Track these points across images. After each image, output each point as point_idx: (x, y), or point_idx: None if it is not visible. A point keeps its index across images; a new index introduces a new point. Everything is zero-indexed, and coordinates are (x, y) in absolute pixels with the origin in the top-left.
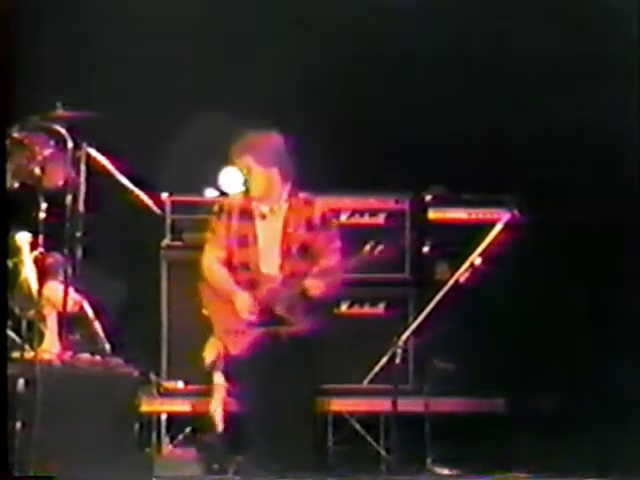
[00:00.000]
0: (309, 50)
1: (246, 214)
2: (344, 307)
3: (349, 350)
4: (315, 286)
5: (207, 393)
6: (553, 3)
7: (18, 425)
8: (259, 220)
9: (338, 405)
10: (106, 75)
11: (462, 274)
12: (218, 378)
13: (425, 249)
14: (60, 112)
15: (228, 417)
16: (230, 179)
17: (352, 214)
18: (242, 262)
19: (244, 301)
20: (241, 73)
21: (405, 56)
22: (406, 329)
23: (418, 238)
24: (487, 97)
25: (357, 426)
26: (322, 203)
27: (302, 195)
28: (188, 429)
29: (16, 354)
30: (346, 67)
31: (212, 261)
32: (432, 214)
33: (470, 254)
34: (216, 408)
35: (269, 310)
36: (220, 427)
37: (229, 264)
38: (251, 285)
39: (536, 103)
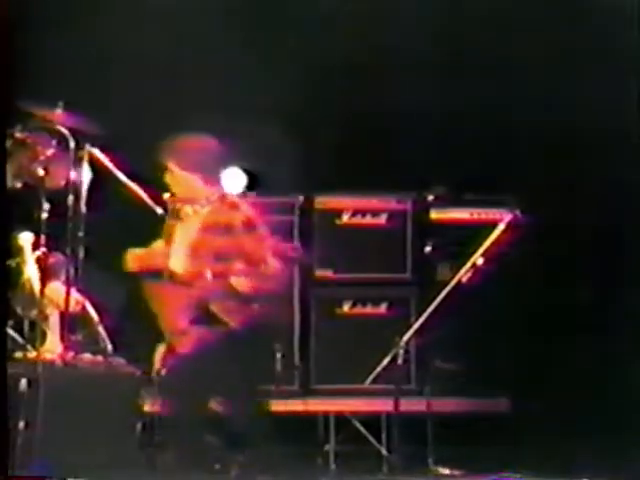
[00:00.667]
0: (311, 48)
1: (174, 214)
2: (346, 307)
3: (351, 350)
4: (241, 284)
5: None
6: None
7: (21, 425)
8: (180, 221)
9: (340, 406)
10: (108, 74)
11: (464, 274)
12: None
13: (427, 249)
14: (62, 112)
15: (229, 417)
16: (232, 179)
17: (354, 214)
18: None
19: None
20: (246, 72)
21: (407, 55)
22: (408, 329)
23: (420, 238)
24: (488, 96)
25: (359, 426)
26: (247, 207)
27: (230, 199)
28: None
29: (18, 354)
30: (348, 66)
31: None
32: (434, 214)
33: (472, 254)
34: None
35: (205, 309)
36: None
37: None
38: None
39: (538, 102)
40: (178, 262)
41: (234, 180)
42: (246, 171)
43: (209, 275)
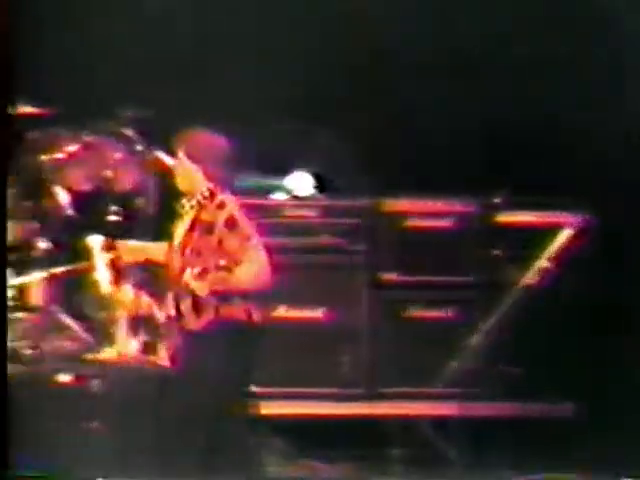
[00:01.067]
0: (377, 49)
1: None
2: (411, 310)
3: (416, 353)
4: (199, 288)
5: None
6: None
7: (94, 425)
8: (178, 220)
9: (406, 409)
10: (176, 77)
11: (530, 277)
12: None
13: (493, 252)
14: (130, 116)
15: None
16: (299, 182)
17: (420, 217)
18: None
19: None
20: (296, 72)
21: (472, 56)
22: (474, 332)
23: (485, 241)
24: (553, 97)
25: (425, 430)
26: (232, 207)
27: (221, 197)
28: (260, 432)
29: (90, 355)
30: (412, 67)
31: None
32: (500, 217)
33: (538, 257)
34: None
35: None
36: None
37: None
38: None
39: (604, 103)
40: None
41: (302, 183)
42: (314, 174)
43: (188, 273)
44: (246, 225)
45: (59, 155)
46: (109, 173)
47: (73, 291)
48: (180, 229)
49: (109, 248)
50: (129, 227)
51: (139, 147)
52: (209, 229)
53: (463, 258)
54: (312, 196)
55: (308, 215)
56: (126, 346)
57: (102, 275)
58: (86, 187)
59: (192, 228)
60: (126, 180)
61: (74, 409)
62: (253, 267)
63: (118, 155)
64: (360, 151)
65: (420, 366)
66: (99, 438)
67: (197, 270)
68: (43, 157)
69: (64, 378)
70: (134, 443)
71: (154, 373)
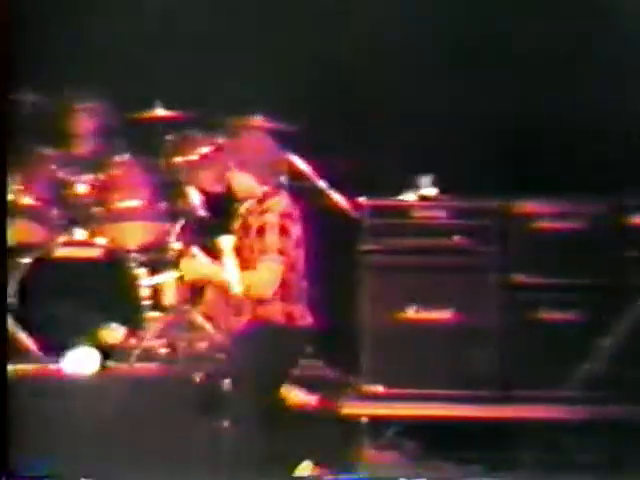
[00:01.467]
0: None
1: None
2: (542, 313)
3: (546, 355)
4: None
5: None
6: None
7: (225, 424)
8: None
9: (536, 412)
10: (303, 82)
11: None
12: None
13: (624, 254)
14: (261, 119)
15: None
16: (426, 184)
17: (550, 219)
18: None
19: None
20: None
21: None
22: (604, 335)
23: (617, 243)
24: None
25: (555, 433)
26: (270, 215)
27: (269, 203)
28: (390, 432)
29: (221, 355)
30: (541, 67)
31: None
32: (631, 219)
33: None
34: None
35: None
36: None
37: None
38: None
39: None
40: None
41: (430, 185)
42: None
43: None
44: (273, 237)
45: (193, 157)
46: None
47: (204, 291)
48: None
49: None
50: None
51: None
52: (247, 233)
53: (593, 260)
54: (442, 197)
55: (438, 216)
56: None
57: (232, 275)
58: (217, 188)
59: (239, 232)
60: None
61: (204, 408)
62: (264, 276)
63: None
64: (490, 152)
65: (550, 368)
66: (228, 437)
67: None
68: (178, 159)
69: (196, 377)
70: (260, 443)
71: None
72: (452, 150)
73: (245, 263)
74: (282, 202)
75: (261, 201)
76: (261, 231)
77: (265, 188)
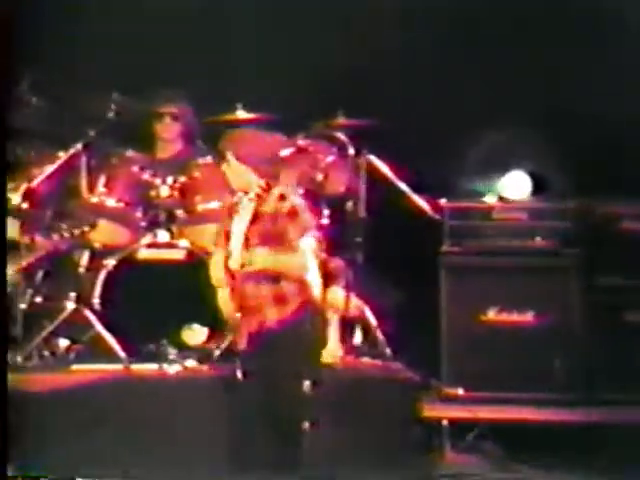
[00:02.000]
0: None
1: (229, 212)
2: (626, 314)
3: (630, 358)
4: (265, 257)
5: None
6: None
7: (306, 425)
8: (236, 216)
9: (621, 415)
10: (384, 83)
11: None
12: None
13: None
14: (342, 120)
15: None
16: (512, 184)
17: (633, 220)
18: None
19: (221, 297)
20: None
21: None
22: None
23: None
24: None
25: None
26: (295, 199)
27: (279, 190)
28: (471, 435)
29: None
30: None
31: (214, 264)
32: None
33: None
34: None
35: (242, 297)
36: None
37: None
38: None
39: None
40: (235, 258)
41: (515, 185)
42: (531, 175)
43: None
44: (307, 216)
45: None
46: (321, 176)
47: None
48: (240, 223)
49: (321, 251)
50: (339, 229)
51: (350, 151)
52: (273, 220)
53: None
54: (524, 198)
55: (519, 218)
56: (337, 347)
57: (314, 277)
58: (298, 190)
59: (254, 220)
60: (337, 183)
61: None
62: (303, 256)
63: (330, 158)
64: (572, 153)
65: (633, 371)
66: (315, 437)
67: None
68: None
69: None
70: (344, 443)
71: (362, 374)
72: (534, 151)
73: (278, 247)
74: (290, 190)
75: (266, 190)
76: (293, 213)
77: (262, 182)
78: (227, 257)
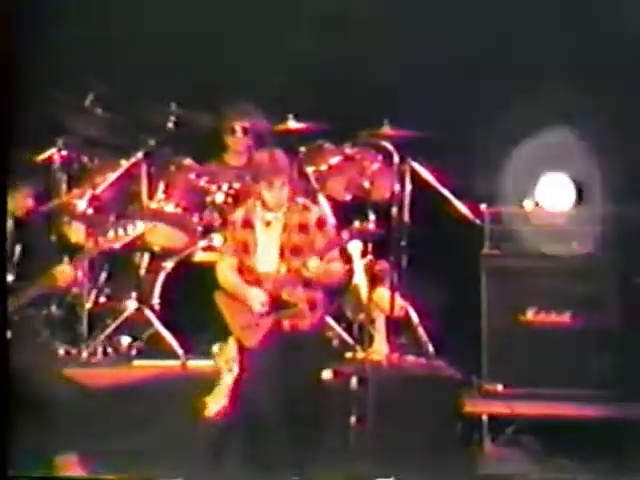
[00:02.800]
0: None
1: (247, 223)
2: None
3: None
4: (315, 266)
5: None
6: None
7: (352, 420)
8: (262, 226)
9: None
10: (426, 95)
11: None
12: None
13: None
14: (387, 129)
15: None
16: (550, 189)
17: None
18: (247, 266)
19: (256, 295)
20: None
21: None
22: None
23: None
24: None
25: None
26: (317, 209)
27: (300, 201)
28: (510, 430)
29: (349, 354)
30: None
31: (225, 268)
32: None
33: None
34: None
35: (277, 298)
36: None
37: (239, 269)
38: (256, 284)
39: None
40: (269, 263)
41: (553, 190)
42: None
43: (283, 269)
44: (331, 226)
45: (323, 167)
46: (367, 183)
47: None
48: (271, 236)
49: (366, 254)
50: (385, 235)
51: (395, 159)
52: (303, 228)
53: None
54: (565, 206)
55: (558, 222)
56: (383, 346)
57: (360, 279)
58: (346, 197)
59: (284, 230)
60: (383, 189)
61: (335, 404)
62: (334, 265)
63: (376, 166)
64: (608, 159)
65: None
66: (357, 433)
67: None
68: (309, 169)
69: (326, 375)
70: (388, 438)
71: (406, 371)
72: (574, 157)
73: (309, 255)
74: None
75: (294, 202)
76: (321, 223)
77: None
78: (241, 263)
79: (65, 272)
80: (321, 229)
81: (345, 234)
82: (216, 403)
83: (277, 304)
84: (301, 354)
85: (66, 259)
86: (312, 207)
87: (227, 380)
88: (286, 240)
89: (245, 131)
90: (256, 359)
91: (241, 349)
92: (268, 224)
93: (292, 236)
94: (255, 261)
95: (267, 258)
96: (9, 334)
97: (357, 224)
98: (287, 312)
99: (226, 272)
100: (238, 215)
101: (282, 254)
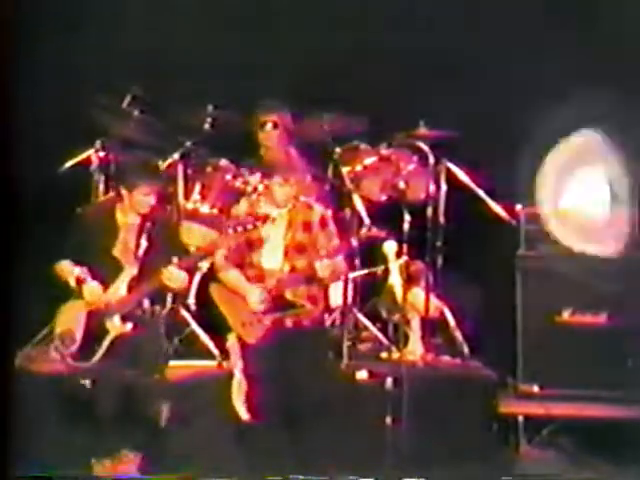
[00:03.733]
0: None
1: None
2: None
3: None
4: (324, 267)
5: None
6: None
7: (388, 420)
8: (268, 223)
9: None
10: (462, 94)
11: None
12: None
13: None
14: (423, 130)
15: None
16: (586, 189)
17: None
18: (249, 262)
19: (255, 294)
20: None
21: None
22: None
23: None
24: None
25: None
26: (320, 208)
27: (303, 200)
28: (545, 431)
29: (384, 354)
30: None
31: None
32: None
33: None
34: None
35: (280, 297)
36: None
37: (238, 264)
38: (258, 280)
39: None
40: (275, 260)
41: (596, 191)
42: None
43: (286, 267)
44: (332, 225)
45: (358, 167)
46: (402, 184)
47: (369, 293)
48: (277, 232)
49: (401, 254)
50: (420, 235)
51: (431, 159)
52: (307, 227)
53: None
54: (597, 205)
55: (594, 223)
56: (418, 347)
57: (396, 279)
58: (381, 197)
59: (289, 228)
60: (418, 190)
61: (369, 405)
62: (339, 264)
63: (411, 167)
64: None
65: None
66: (397, 432)
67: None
68: (345, 169)
69: (361, 375)
70: (424, 438)
71: (441, 372)
72: (606, 157)
73: (314, 255)
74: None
75: (297, 200)
76: (324, 222)
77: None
78: (242, 257)
79: (173, 274)
80: (324, 229)
81: (354, 240)
82: (239, 402)
83: (280, 303)
84: (303, 349)
85: (175, 260)
86: (315, 206)
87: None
88: (291, 238)
89: (275, 125)
90: (259, 355)
91: (243, 345)
92: (273, 221)
93: (297, 234)
94: (260, 257)
95: (272, 255)
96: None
97: (364, 230)
98: (293, 312)
99: (226, 266)
100: (241, 208)
101: (286, 252)
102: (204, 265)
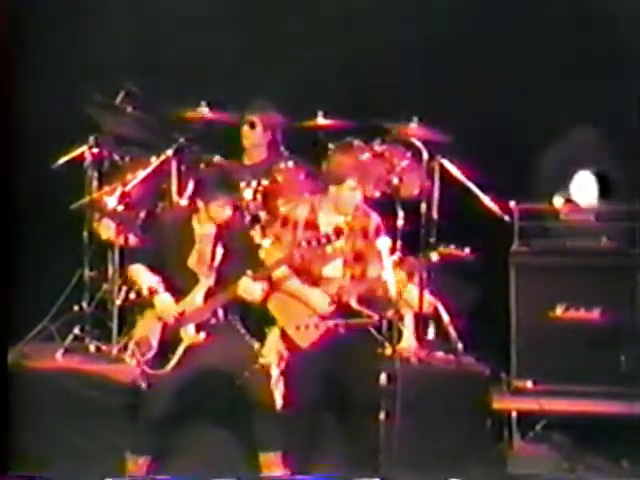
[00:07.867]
0: None
1: (311, 224)
2: None
3: None
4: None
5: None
6: None
7: (382, 416)
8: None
9: None
10: (458, 90)
11: None
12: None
13: None
14: (416, 126)
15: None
16: (583, 185)
17: None
18: (305, 266)
19: (319, 296)
20: None
21: None
22: None
23: None
24: None
25: None
26: (376, 216)
27: (362, 207)
28: (539, 426)
29: (379, 350)
30: None
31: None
32: None
33: None
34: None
35: (343, 305)
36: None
37: (299, 272)
38: (315, 285)
39: None
40: (334, 268)
41: (585, 187)
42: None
43: (347, 275)
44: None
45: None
46: (396, 180)
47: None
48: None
49: (395, 250)
50: (414, 230)
51: (424, 155)
52: (365, 235)
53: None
54: (592, 201)
55: (587, 219)
56: (412, 343)
57: (389, 275)
58: (374, 193)
59: (350, 236)
60: (412, 186)
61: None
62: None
63: (405, 163)
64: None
65: None
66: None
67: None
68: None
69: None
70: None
71: (435, 368)
72: (601, 153)
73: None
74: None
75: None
76: (379, 230)
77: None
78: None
79: (249, 286)
80: (378, 237)
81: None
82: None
83: (343, 311)
84: (354, 355)
85: (249, 273)
86: (371, 214)
87: (275, 373)
88: (351, 246)
89: (252, 125)
90: (309, 359)
91: (291, 347)
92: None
93: (356, 242)
94: (321, 265)
95: (332, 263)
96: None
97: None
98: (358, 321)
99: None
100: (300, 214)
101: (346, 260)
102: None
